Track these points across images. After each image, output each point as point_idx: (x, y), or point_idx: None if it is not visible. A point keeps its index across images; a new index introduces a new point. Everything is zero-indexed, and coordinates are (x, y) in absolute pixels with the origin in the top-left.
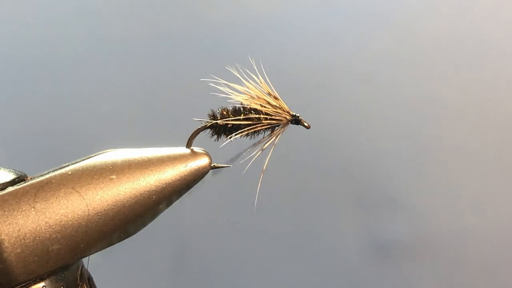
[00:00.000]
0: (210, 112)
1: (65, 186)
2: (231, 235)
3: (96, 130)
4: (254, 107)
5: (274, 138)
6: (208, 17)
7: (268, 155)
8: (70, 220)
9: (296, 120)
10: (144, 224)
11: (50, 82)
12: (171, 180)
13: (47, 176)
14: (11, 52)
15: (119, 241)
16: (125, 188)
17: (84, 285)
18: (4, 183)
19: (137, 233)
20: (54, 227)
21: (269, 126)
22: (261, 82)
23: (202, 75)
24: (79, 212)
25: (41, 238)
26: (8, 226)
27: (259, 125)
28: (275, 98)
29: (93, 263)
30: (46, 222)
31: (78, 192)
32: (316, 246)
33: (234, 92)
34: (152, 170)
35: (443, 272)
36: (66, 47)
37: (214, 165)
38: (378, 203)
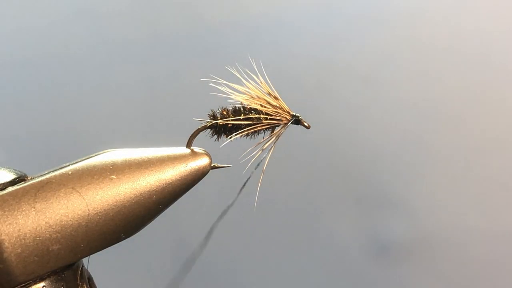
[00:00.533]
0: (210, 112)
1: (65, 186)
2: (231, 235)
3: (96, 130)
4: (254, 107)
5: (274, 138)
6: (208, 17)
7: (268, 155)
8: (70, 220)
9: (296, 120)
10: (144, 224)
11: (50, 82)
12: (171, 180)
13: (47, 176)
14: (11, 52)
15: (119, 241)
16: (125, 188)
17: (84, 285)
18: (4, 183)
19: (137, 233)
20: (54, 227)
21: (269, 126)
22: (261, 82)
23: (202, 75)
24: (79, 212)
25: (41, 238)
26: (8, 226)
27: (259, 125)
28: (275, 98)
29: (93, 263)
30: (46, 222)
31: (78, 192)
32: (316, 246)
33: (234, 92)
34: (152, 170)
35: (443, 272)
36: (66, 47)
37: (214, 165)
38: (378, 203)
